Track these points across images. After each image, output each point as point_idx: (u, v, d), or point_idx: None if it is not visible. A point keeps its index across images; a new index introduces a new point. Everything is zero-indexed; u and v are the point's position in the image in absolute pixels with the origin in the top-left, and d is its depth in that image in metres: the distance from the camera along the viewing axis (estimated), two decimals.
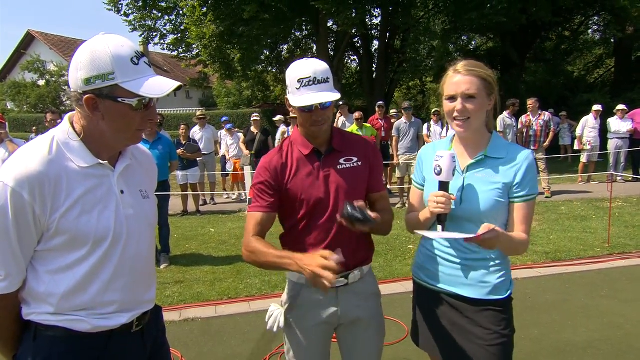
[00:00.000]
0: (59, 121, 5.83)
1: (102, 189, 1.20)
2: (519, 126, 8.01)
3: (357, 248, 1.62)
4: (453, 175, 1.48)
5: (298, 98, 1.47)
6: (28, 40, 28.28)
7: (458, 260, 1.57)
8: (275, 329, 1.64)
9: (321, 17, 15.34)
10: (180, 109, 21.46)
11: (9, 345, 1.22)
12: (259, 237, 1.55)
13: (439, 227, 1.51)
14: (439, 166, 1.46)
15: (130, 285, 1.25)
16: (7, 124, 4.92)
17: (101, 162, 1.20)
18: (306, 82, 1.46)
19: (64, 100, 23.51)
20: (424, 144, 7.95)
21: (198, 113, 9.31)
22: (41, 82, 23.95)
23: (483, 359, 1.53)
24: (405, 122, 7.67)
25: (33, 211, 1.09)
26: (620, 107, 9.46)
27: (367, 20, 17.15)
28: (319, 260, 1.29)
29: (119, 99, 1.13)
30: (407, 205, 1.77)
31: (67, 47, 27.30)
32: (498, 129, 7.65)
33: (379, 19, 17.75)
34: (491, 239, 1.37)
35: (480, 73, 1.49)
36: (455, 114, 1.50)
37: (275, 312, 1.65)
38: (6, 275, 1.12)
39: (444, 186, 1.49)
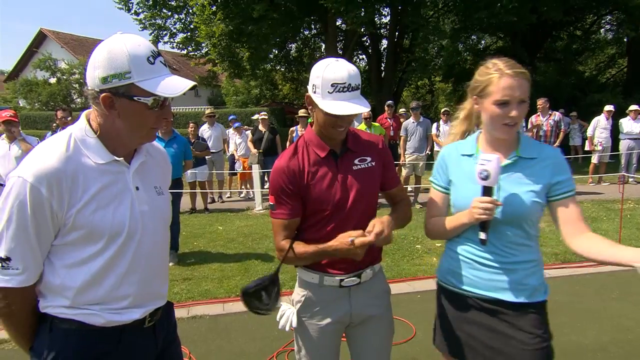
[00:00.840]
0: (69, 118, 5.90)
1: (117, 185, 1.22)
2: (529, 126, 7.93)
3: (369, 247, 1.62)
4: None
5: (329, 103, 1.43)
6: (40, 38, 28.57)
7: (497, 265, 1.51)
8: (287, 328, 1.63)
9: (330, 16, 15.33)
10: (189, 107, 21.56)
11: (26, 337, 1.25)
12: (294, 241, 1.57)
13: (482, 234, 1.47)
14: (486, 170, 1.39)
15: (144, 280, 1.27)
16: (19, 122, 4.97)
17: (117, 158, 1.23)
18: (340, 87, 1.42)
19: (74, 98, 23.76)
20: (433, 144, 7.97)
21: (207, 111, 9.30)
22: (52, 80, 24.22)
23: None
24: (413, 122, 7.63)
25: (50, 206, 1.12)
26: (633, 107, 9.32)
27: (376, 19, 17.11)
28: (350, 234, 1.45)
29: (135, 98, 1.15)
30: (426, 209, 1.72)
31: (78, 45, 27.56)
32: None
33: (388, 18, 17.73)
34: None
35: (526, 75, 1.42)
36: (509, 120, 1.42)
37: (287, 311, 1.64)
38: (24, 269, 1.15)
39: (488, 191, 1.43)
